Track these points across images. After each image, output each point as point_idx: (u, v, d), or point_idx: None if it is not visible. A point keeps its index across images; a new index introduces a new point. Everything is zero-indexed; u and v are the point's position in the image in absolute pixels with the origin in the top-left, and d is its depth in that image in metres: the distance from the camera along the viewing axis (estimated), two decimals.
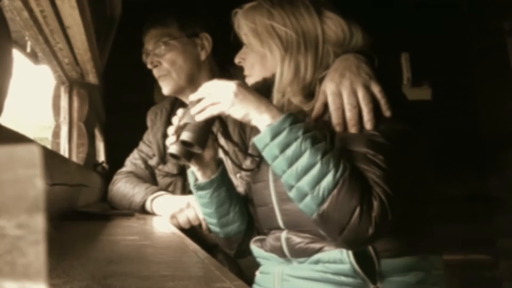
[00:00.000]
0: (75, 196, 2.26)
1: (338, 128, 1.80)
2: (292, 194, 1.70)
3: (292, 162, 1.64)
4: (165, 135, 2.93)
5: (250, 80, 2.10)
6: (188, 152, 2.04)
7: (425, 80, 5.45)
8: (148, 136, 3.15)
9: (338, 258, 1.81)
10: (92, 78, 3.25)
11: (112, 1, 3.99)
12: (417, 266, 1.85)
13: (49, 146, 3.16)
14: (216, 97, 1.87)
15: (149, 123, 3.16)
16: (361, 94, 1.77)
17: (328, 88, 1.84)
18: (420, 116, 1.94)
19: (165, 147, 2.90)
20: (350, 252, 1.78)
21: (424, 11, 5.53)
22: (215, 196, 2.19)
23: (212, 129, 2.08)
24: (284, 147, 1.65)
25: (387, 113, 1.76)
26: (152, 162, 3.06)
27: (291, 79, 1.95)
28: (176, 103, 3.07)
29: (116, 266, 1.11)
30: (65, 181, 1.91)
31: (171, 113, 3.03)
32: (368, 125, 1.75)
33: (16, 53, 2.99)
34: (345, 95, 1.80)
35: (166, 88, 2.93)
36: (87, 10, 2.30)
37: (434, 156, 4.93)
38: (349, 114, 1.78)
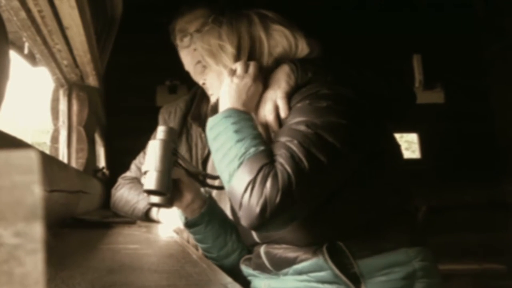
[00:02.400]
0: (75, 203, 2.27)
1: None
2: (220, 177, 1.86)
3: (218, 147, 1.85)
4: (178, 137, 2.93)
5: (213, 98, 2.26)
6: (168, 198, 2.08)
7: (438, 83, 5.45)
8: None
9: (318, 266, 1.85)
10: (92, 80, 3.25)
11: (113, 1, 3.99)
12: (397, 262, 1.87)
13: (47, 151, 3.17)
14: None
15: (161, 123, 3.13)
16: (266, 107, 2.00)
17: None
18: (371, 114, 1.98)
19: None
20: (327, 257, 1.82)
21: (437, 10, 5.52)
22: (209, 230, 2.23)
23: (175, 165, 2.14)
24: (216, 135, 1.87)
25: (282, 114, 1.93)
26: None
27: None
28: (192, 103, 3.05)
29: (116, 275, 1.11)
30: (64, 187, 1.91)
31: (186, 114, 3.02)
32: (272, 135, 1.97)
33: (13, 55, 3.00)
34: (258, 112, 2.05)
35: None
36: (86, 10, 2.30)
37: (447, 162, 4.88)
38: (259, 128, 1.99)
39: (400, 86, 2.15)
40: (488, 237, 5.10)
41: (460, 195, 5.25)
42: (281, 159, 1.67)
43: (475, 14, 5.61)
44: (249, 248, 2.22)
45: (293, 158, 1.66)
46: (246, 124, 1.86)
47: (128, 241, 1.94)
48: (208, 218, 2.21)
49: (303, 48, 2.15)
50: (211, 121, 1.93)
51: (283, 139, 1.75)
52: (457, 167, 5.37)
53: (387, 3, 5.54)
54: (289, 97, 1.97)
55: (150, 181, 2.03)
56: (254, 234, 2.07)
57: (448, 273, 4.61)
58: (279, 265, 1.97)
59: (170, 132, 2.16)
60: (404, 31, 5.47)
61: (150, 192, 2.06)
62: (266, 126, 2.00)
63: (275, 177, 1.62)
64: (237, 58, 2.12)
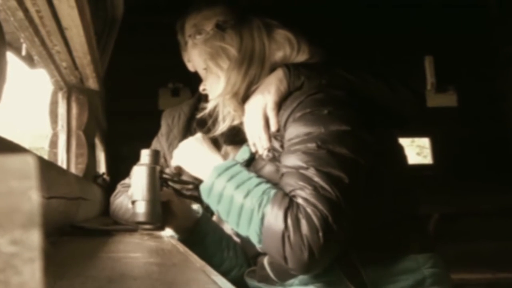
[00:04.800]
0: (74, 210, 2.26)
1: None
2: (245, 237, 1.86)
3: (227, 210, 1.83)
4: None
5: (211, 104, 2.26)
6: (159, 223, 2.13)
7: (450, 85, 5.43)
8: (158, 144, 3.11)
9: (325, 275, 1.85)
10: (92, 83, 3.26)
11: (114, 1, 3.99)
12: (406, 269, 1.88)
13: (45, 157, 3.16)
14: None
15: (164, 128, 3.13)
16: (254, 115, 2.04)
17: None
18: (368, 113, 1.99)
19: None
20: (336, 266, 1.83)
21: (449, 11, 5.51)
22: (202, 249, 2.23)
23: (163, 185, 2.17)
24: (218, 199, 1.87)
25: (272, 128, 1.98)
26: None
27: (234, 85, 2.16)
28: (196, 107, 3.03)
29: (117, 285, 1.11)
30: (63, 194, 1.91)
31: (191, 119, 3.02)
32: (263, 144, 2.02)
33: (10, 57, 3.00)
34: (245, 118, 2.12)
35: None
36: (86, 10, 2.30)
37: (460, 167, 4.86)
38: (247, 134, 2.09)
39: (404, 89, 2.14)
40: (503, 245, 5.07)
41: (474, 202, 5.23)
42: (304, 194, 1.65)
43: (489, 14, 5.60)
44: (252, 259, 2.22)
45: (316, 190, 1.65)
46: (241, 175, 1.86)
47: (129, 249, 1.94)
48: (200, 237, 2.22)
49: (304, 53, 2.18)
50: (205, 188, 1.93)
51: (295, 164, 1.75)
52: (470, 173, 5.36)
53: (397, 2, 5.53)
54: (280, 103, 1.99)
55: (140, 212, 2.08)
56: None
57: (461, 282, 4.59)
58: (284, 276, 1.96)
59: (155, 155, 2.17)
60: (416, 32, 5.46)
61: (140, 223, 2.09)
62: (253, 132, 2.05)
63: (309, 218, 1.61)
64: (238, 61, 2.14)
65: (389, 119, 2.09)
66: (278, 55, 2.16)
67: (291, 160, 1.76)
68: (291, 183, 1.72)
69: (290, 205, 1.65)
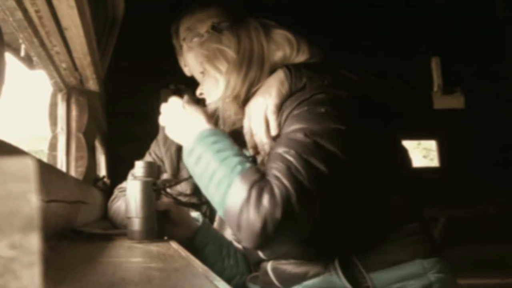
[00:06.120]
0: (74, 214, 2.26)
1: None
2: (210, 202, 1.86)
3: (201, 171, 1.83)
4: (180, 149, 2.93)
5: (212, 106, 2.25)
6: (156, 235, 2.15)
7: (457, 87, 5.43)
8: (157, 148, 3.11)
9: (330, 282, 1.85)
10: (92, 84, 3.25)
11: (114, 1, 3.99)
12: (412, 274, 1.87)
13: (45, 159, 3.16)
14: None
15: (162, 132, 3.12)
16: (256, 119, 2.03)
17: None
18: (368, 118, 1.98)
19: (179, 164, 2.88)
20: (340, 273, 1.82)
21: (456, 11, 5.51)
22: (202, 258, 2.21)
23: (160, 193, 2.18)
24: (197, 159, 1.87)
25: (272, 132, 1.97)
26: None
27: (232, 89, 2.15)
28: None
29: None
30: (63, 197, 1.91)
31: None
32: (265, 148, 2.00)
33: (9, 58, 3.00)
34: (247, 122, 2.10)
35: None
36: (86, 10, 2.30)
37: (467, 170, 4.85)
38: (246, 137, 2.09)
39: (406, 87, 2.14)
40: (511, 249, 5.07)
41: (481, 205, 5.23)
42: (276, 172, 1.65)
43: (496, 15, 5.59)
44: (254, 266, 2.22)
45: (289, 169, 1.64)
46: (226, 143, 1.86)
47: (130, 254, 1.94)
48: (200, 246, 2.23)
49: (304, 52, 2.17)
50: (188, 145, 1.93)
51: (279, 150, 1.74)
52: (477, 176, 5.35)
53: (403, 2, 5.53)
54: (281, 105, 1.98)
55: (135, 230, 2.10)
56: (259, 251, 2.06)
57: (469, 287, 4.59)
58: (288, 282, 1.96)
59: (149, 167, 2.17)
60: (422, 32, 5.46)
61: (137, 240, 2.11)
62: (255, 137, 2.04)
63: (271, 191, 1.60)
64: (237, 63, 2.14)
65: (392, 118, 2.08)
66: (278, 55, 2.16)
67: (277, 147, 1.78)
68: (269, 164, 1.72)
69: (258, 178, 1.66)
